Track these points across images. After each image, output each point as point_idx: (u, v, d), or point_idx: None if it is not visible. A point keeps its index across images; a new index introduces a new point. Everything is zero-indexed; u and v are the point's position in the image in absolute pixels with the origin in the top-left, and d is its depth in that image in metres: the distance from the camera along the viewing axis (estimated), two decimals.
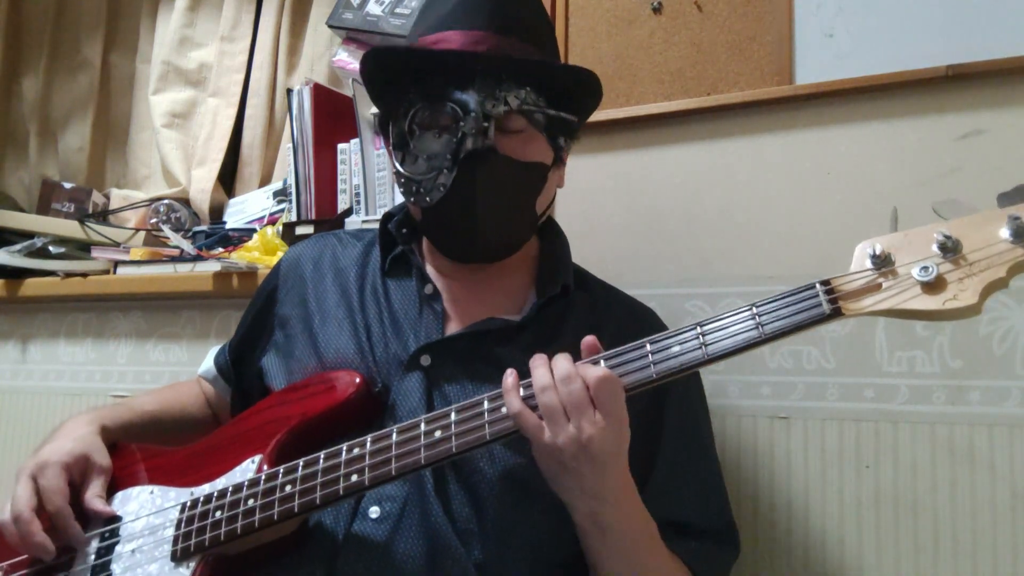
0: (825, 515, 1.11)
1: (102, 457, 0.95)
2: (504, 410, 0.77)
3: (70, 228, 1.71)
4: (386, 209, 1.42)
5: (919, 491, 1.07)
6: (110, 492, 0.95)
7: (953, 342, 1.08)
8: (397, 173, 0.95)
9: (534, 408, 0.76)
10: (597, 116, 1.28)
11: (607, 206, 1.32)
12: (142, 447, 1.00)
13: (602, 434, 0.74)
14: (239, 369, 1.13)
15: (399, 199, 1.42)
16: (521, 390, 0.78)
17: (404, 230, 1.05)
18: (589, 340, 0.80)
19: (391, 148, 0.98)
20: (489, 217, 0.92)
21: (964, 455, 1.05)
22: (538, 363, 0.78)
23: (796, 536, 1.13)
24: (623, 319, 1.01)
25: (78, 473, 0.93)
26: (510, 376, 0.78)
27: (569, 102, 0.97)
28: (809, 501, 1.13)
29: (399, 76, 0.95)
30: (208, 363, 1.18)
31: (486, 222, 0.92)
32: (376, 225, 1.36)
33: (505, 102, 0.90)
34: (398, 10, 1.52)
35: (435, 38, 0.94)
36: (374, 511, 0.86)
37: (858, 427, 1.11)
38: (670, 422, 0.96)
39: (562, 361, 0.77)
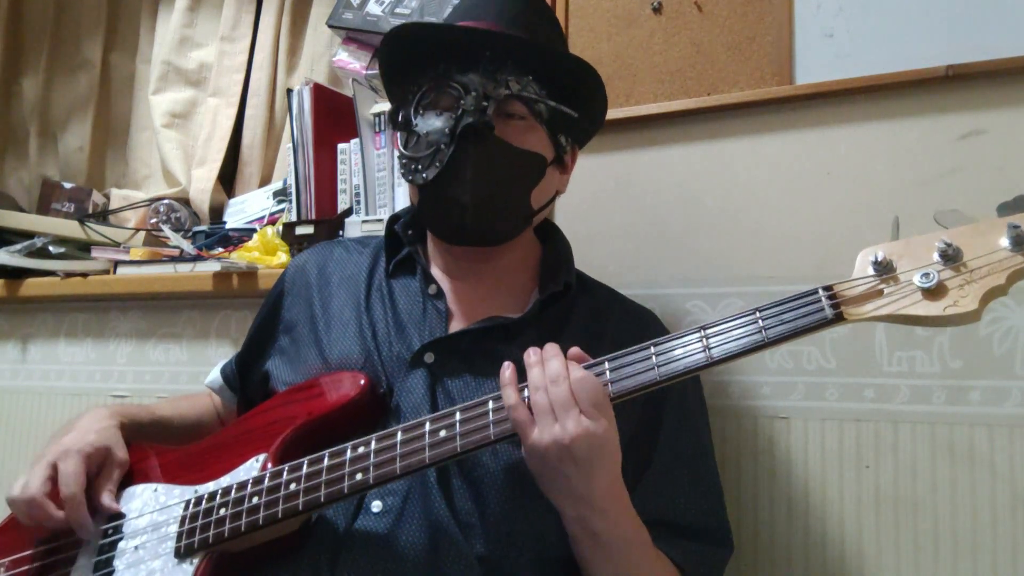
0: (825, 515, 1.11)
1: (121, 452, 0.97)
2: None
3: (70, 228, 1.71)
4: (386, 208, 1.43)
5: (919, 491, 1.07)
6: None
7: (953, 342, 1.08)
8: (400, 155, 0.97)
9: (530, 408, 0.77)
10: None
11: (607, 206, 1.32)
12: (147, 445, 1.01)
13: (585, 435, 0.74)
14: (245, 378, 1.15)
15: (399, 200, 1.42)
16: (524, 391, 0.79)
17: (410, 231, 1.06)
18: (574, 351, 0.81)
19: (396, 133, 1.00)
20: (480, 196, 0.93)
21: (964, 455, 1.05)
22: (532, 361, 0.80)
23: (796, 536, 1.13)
24: (624, 321, 1.02)
25: (96, 465, 0.95)
26: (507, 370, 0.80)
27: (572, 99, 0.97)
28: (809, 501, 1.13)
29: (410, 60, 0.98)
30: (214, 374, 1.20)
31: (477, 201, 0.93)
32: (376, 225, 1.38)
33: (507, 86, 0.93)
34: (398, 10, 1.52)
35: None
36: (376, 505, 0.86)
37: (858, 427, 1.11)
38: (668, 421, 0.96)
39: (554, 362, 0.78)
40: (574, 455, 0.75)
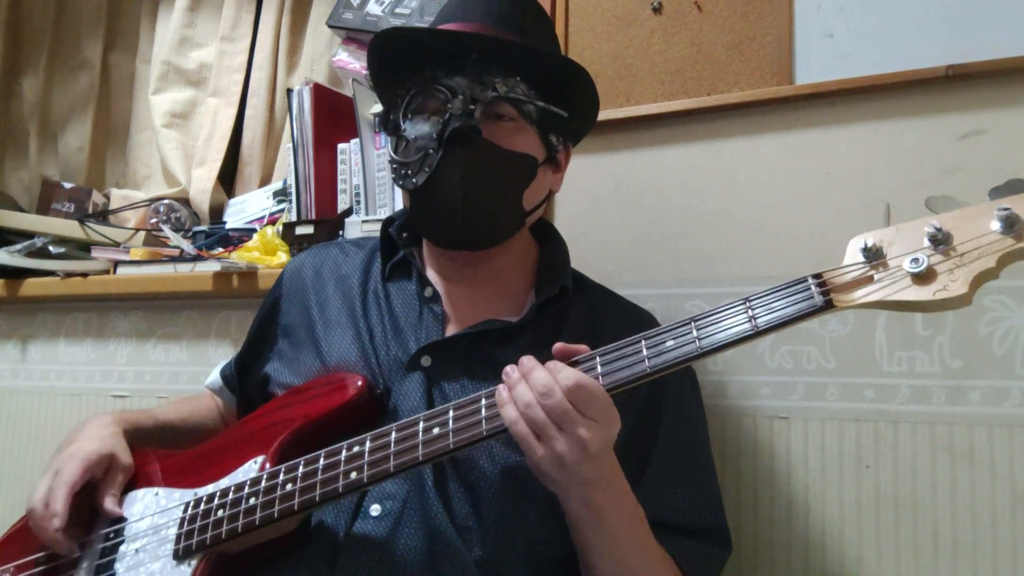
0: (825, 515, 1.11)
1: (126, 457, 0.98)
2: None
3: (70, 228, 1.71)
4: (386, 209, 1.43)
5: (919, 491, 1.07)
6: None
7: (953, 342, 1.08)
8: (391, 160, 0.97)
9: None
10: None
11: (607, 206, 1.32)
12: (150, 450, 1.01)
13: (598, 434, 0.74)
14: (244, 380, 1.15)
15: (399, 199, 1.42)
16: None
17: (405, 234, 1.06)
18: (558, 348, 0.80)
19: (388, 137, 1.00)
20: (470, 199, 0.93)
21: (964, 455, 1.05)
22: (514, 380, 0.78)
23: (796, 536, 1.13)
24: (621, 322, 1.02)
25: (101, 470, 0.95)
26: (504, 391, 0.78)
27: (562, 98, 0.97)
28: (809, 501, 1.13)
29: (398, 65, 0.97)
30: (214, 375, 1.21)
31: (467, 204, 0.93)
32: (376, 225, 1.38)
33: (494, 88, 0.92)
34: (398, 10, 1.52)
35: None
36: (375, 509, 0.87)
37: (858, 427, 1.11)
38: (666, 421, 0.96)
39: (536, 373, 0.76)
40: (591, 454, 0.75)
